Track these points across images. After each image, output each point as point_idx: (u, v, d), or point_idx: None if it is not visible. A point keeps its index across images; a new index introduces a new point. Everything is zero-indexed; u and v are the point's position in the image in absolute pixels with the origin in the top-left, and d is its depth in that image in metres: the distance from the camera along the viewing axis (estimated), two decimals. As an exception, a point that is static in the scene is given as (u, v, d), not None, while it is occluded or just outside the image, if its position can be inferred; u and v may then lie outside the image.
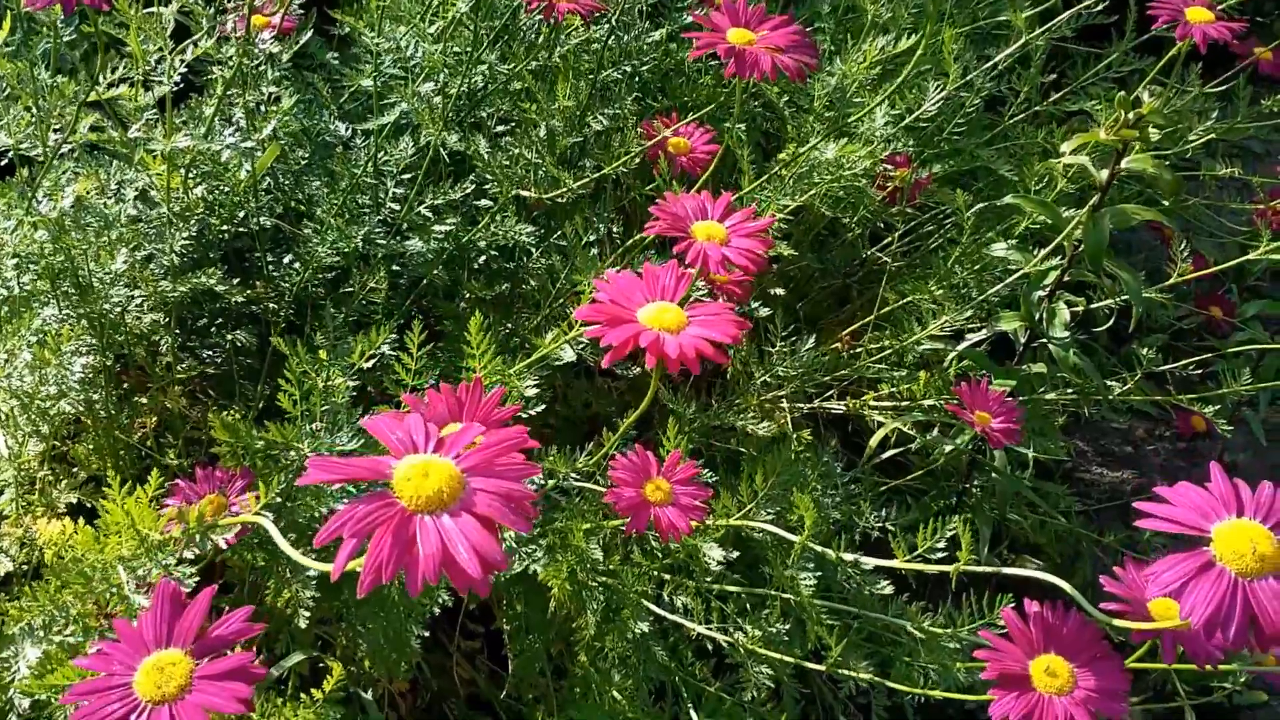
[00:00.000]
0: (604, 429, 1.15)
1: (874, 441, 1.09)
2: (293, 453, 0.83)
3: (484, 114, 1.08)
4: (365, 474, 0.41)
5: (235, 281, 1.05)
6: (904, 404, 1.24)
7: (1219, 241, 1.69)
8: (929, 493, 1.24)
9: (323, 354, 0.81)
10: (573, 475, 0.81)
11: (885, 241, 1.44)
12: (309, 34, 1.09)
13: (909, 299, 1.23)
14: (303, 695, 0.78)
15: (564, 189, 0.98)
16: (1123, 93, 0.94)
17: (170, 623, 0.47)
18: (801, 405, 1.26)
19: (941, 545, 0.73)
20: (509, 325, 1.12)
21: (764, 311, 1.20)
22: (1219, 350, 1.63)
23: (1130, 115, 0.93)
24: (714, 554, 0.83)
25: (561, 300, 1.02)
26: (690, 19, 1.23)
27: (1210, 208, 1.55)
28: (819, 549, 0.77)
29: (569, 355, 0.84)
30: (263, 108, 1.06)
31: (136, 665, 0.46)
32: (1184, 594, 0.53)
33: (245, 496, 0.89)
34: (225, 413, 1.17)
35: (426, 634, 0.97)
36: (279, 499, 0.90)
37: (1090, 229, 0.98)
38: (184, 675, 0.45)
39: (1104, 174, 0.99)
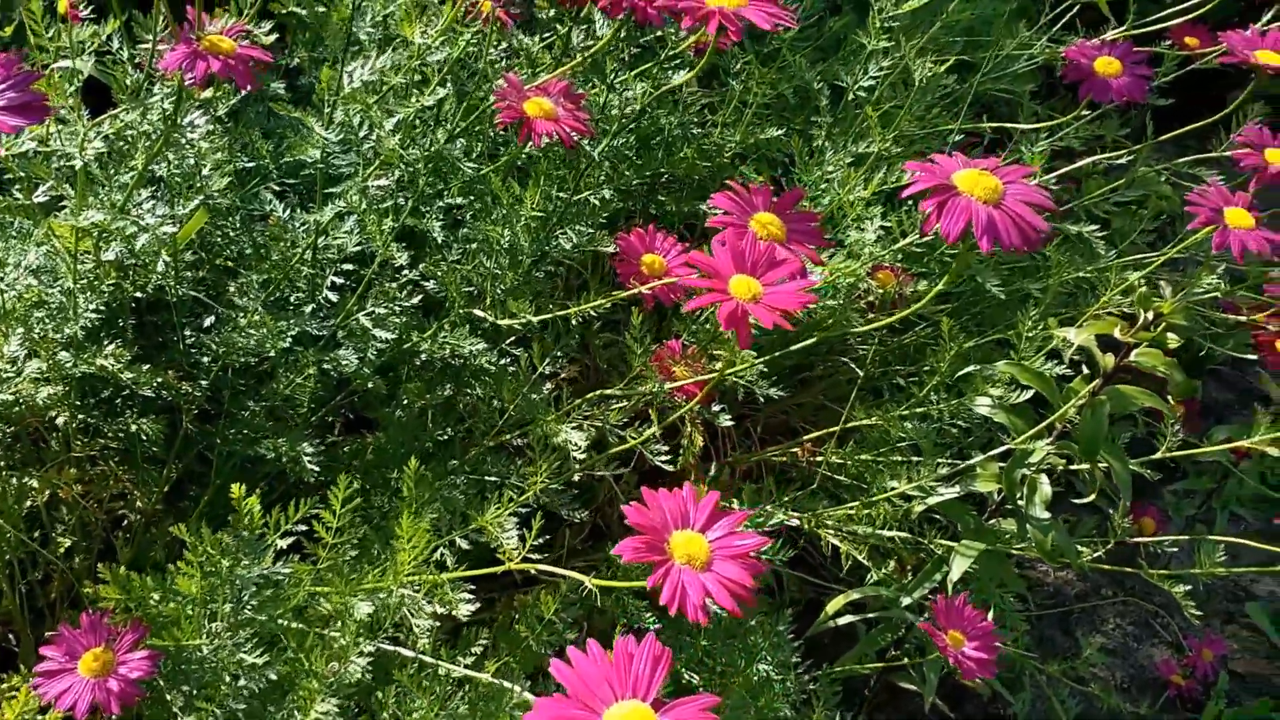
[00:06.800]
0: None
1: (830, 609, 1.02)
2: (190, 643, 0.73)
3: (441, 205, 0.97)
4: None
5: (145, 368, 0.93)
6: (861, 530, 1.17)
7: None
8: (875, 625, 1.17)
9: (226, 538, 0.72)
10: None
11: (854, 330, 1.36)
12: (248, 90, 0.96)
13: (876, 420, 1.15)
14: None
15: (522, 319, 0.88)
16: (1144, 289, 0.87)
17: None
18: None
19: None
20: (448, 430, 1.02)
21: (726, 420, 1.11)
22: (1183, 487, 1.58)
23: (1149, 315, 0.86)
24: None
25: (508, 435, 0.93)
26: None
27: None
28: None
29: (512, 543, 0.76)
30: (194, 164, 0.93)
31: None
32: None
33: (134, 655, 0.80)
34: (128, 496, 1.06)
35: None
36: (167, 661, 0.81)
37: (1088, 418, 0.91)
38: None
39: (1110, 359, 0.91)
